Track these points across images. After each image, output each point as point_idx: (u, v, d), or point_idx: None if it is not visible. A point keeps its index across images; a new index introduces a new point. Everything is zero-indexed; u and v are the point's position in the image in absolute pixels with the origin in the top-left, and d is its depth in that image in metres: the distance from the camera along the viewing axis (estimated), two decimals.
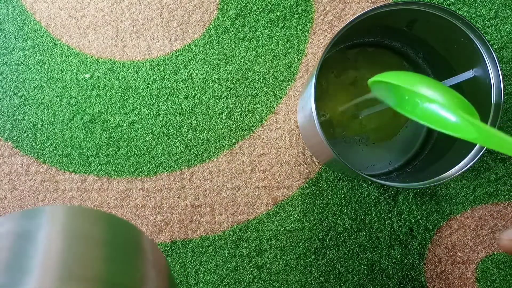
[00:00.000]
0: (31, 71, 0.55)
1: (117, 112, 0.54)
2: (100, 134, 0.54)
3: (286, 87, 0.55)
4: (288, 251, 0.53)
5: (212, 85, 0.55)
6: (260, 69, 0.55)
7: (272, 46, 0.55)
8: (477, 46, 0.43)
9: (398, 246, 0.53)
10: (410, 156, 0.53)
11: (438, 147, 0.51)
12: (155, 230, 0.53)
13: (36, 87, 0.55)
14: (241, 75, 0.55)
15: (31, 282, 0.21)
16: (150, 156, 0.54)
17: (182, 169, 0.54)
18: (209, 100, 0.55)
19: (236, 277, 0.52)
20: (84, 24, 0.56)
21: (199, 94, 0.55)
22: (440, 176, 0.43)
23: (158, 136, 0.54)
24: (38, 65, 0.55)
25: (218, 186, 0.54)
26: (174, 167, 0.54)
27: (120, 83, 0.55)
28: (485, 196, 0.53)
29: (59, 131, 0.54)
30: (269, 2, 0.56)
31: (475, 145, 0.43)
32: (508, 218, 0.53)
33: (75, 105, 0.55)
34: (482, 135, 0.34)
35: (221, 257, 0.52)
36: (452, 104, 0.36)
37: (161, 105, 0.55)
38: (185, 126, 0.54)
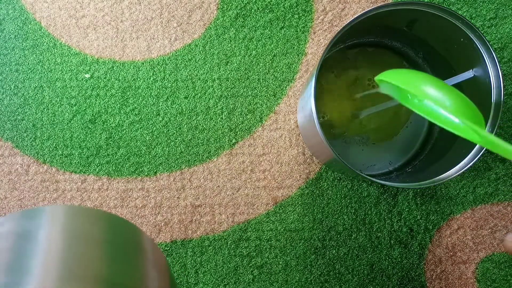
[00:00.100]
0: (31, 71, 0.55)
1: (117, 112, 0.54)
2: (100, 134, 0.54)
3: (286, 87, 0.55)
4: (288, 251, 0.53)
5: (212, 85, 0.55)
6: (260, 69, 0.55)
7: (272, 46, 0.55)
8: (477, 46, 0.43)
9: (398, 246, 0.53)
10: (410, 156, 0.53)
11: (438, 147, 0.51)
12: (155, 230, 0.53)
13: (36, 87, 0.55)
14: (241, 75, 0.55)
15: (31, 282, 0.21)
16: (150, 156, 0.54)
17: (182, 169, 0.54)
18: (209, 100, 0.55)
19: (236, 277, 0.52)
20: (84, 24, 0.56)
21: (199, 94, 0.55)
22: (440, 176, 0.43)
23: (158, 136, 0.54)
24: (38, 65, 0.55)
25: (218, 186, 0.54)
26: (174, 167, 0.54)
27: (120, 83, 0.55)
28: (485, 196, 0.53)
29: (59, 131, 0.54)
30: (269, 2, 0.56)
31: (475, 145, 0.43)
32: (508, 218, 0.53)
33: (75, 105, 0.55)
34: (485, 141, 0.34)
35: (221, 257, 0.52)
36: (456, 108, 0.36)
37: (161, 105, 0.55)
38: (185, 126, 0.54)
